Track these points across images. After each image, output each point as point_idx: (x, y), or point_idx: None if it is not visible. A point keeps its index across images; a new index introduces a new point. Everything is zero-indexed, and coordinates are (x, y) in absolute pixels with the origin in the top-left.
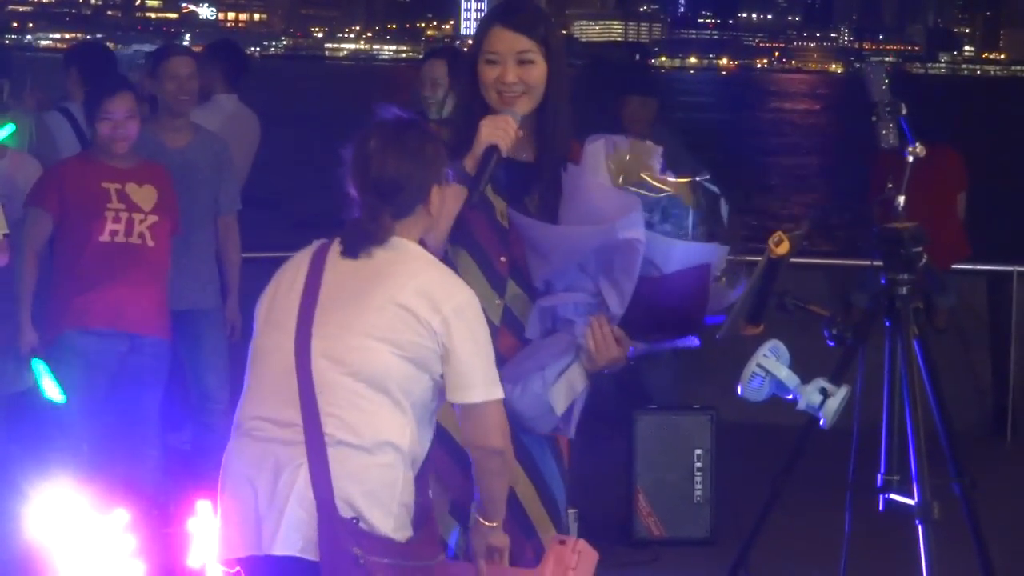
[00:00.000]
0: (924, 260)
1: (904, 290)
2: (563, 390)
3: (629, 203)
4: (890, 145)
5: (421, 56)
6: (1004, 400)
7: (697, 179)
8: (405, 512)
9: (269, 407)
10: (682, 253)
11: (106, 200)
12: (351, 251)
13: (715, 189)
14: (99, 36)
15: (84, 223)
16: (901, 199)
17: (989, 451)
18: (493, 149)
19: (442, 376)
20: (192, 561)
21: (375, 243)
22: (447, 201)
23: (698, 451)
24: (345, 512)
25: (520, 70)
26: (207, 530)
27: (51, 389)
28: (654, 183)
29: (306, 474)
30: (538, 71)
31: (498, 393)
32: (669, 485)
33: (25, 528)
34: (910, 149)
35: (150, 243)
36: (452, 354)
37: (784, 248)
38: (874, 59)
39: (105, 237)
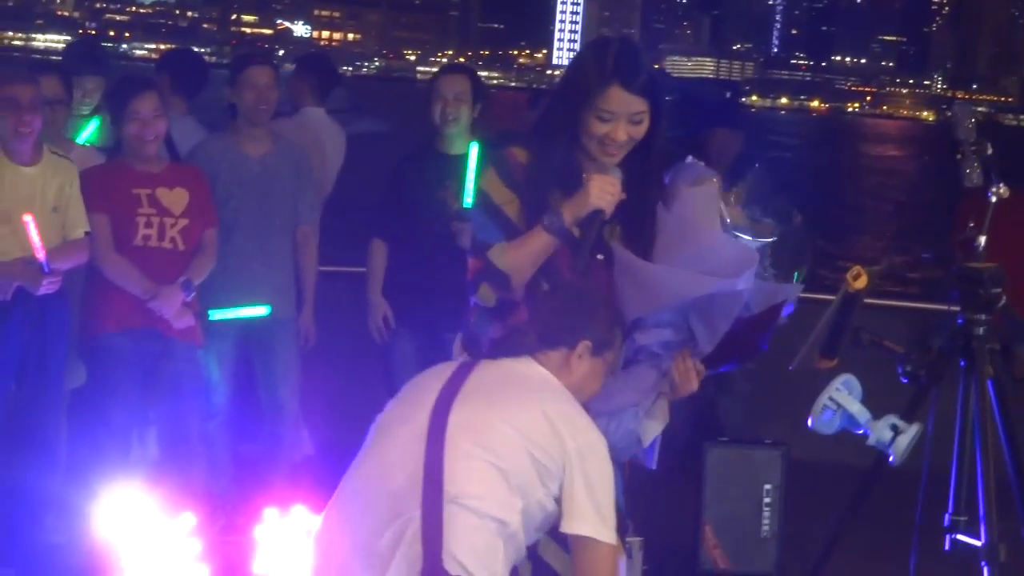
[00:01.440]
0: (1003, 302)
1: (981, 330)
2: (652, 424)
3: (749, 257)
4: (973, 184)
5: (513, 83)
6: None
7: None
8: None
9: (389, 463)
10: (771, 292)
11: (137, 205)
12: (498, 352)
13: (800, 227)
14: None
15: (117, 227)
16: (982, 239)
17: None
18: (599, 213)
19: (554, 503)
20: (257, 568)
21: (518, 353)
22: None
23: (767, 486)
24: (452, 568)
25: (630, 128)
26: (273, 538)
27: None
28: (752, 226)
29: (417, 527)
30: (644, 127)
31: (609, 537)
32: (737, 519)
33: (92, 527)
34: (993, 189)
35: (181, 247)
36: (571, 485)
37: (862, 282)
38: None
39: (138, 241)
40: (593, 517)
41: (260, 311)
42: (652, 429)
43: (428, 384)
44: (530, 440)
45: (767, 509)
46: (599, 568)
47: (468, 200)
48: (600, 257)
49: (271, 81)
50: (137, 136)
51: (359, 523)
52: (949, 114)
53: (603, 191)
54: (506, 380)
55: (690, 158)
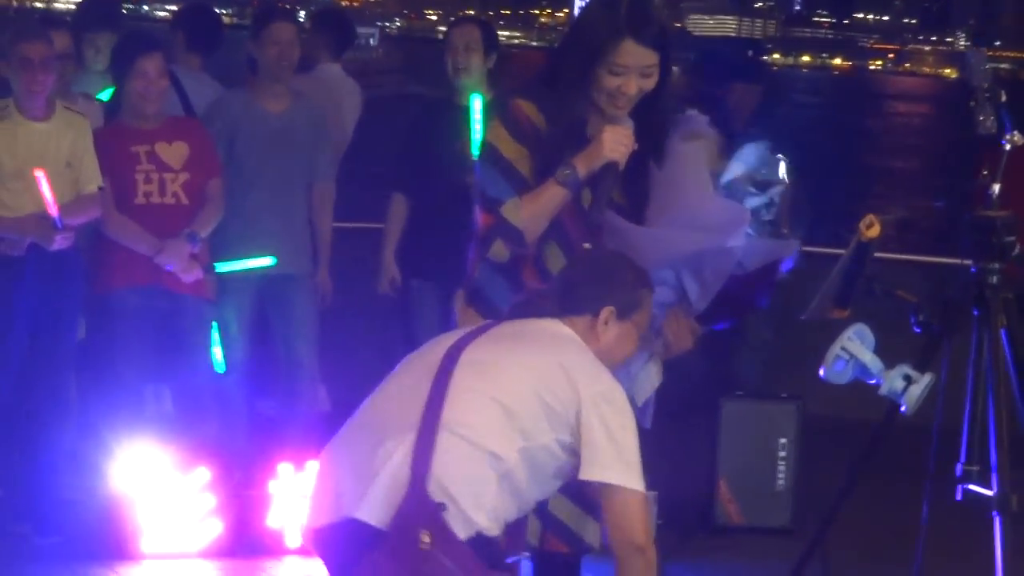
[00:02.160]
0: (1017, 250)
1: (994, 279)
2: (645, 384)
3: (739, 215)
4: (987, 131)
5: (534, 43)
6: None
7: (782, 177)
8: (495, 519)
9: (398, 393)
10: (766, 250)
11: (135, 162)
12: (519, 314)
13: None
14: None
15: (118, 187)
16: (996, 187)
17: None
18: (613, 165)
19: (565, 453)
20: (272, 522)
21: (540, 316)
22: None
23: (782, 440)
24: (436, 495)
25: (641, 81)
26: (288, 493)
27: (217, 353)
28: (746, 186)
29: (407, 449)
30: (655, 80)
31: (638, 486)
32: (752, 473)
33: (108, 483)
34: (1007, 137)
35: (185, 201)
36: (589, 432)
37: (875, 231)
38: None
39: (140, 199)
40: (618, 464)
41: (265, 261)
42: (645, 390)
43: (449, 337)
44: (541, 382)
45: (782, 463)
46: (631, 517)
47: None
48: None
49: (293, 37)
50: (141, 94)
51: (359, 442)
52: (964, 65)
53: (617, 142)
54: (528, 332)
55: (692, 111)
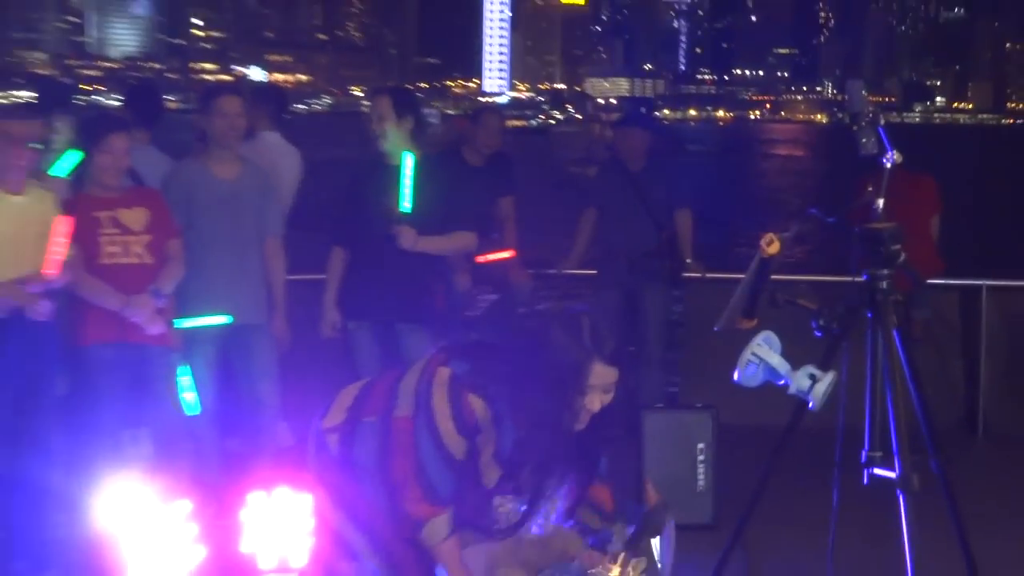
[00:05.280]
0: (903, 258)
1: (884, 284)
2: None
3: None
4: (870, 152)
5: (450, 111)
6: (975, 402)
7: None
8: None
9: None
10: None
11: (98, 227)
12: None
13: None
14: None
15: (86, 250)
16: (880, 202)
17: (962, 446)
18: None
19: None
20: (244, 547)
21: None
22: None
23: (700, 445)
24: None
25: (603, 397)
26: (258, 520)
27: (189, 397)
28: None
29: None
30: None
31: None
32: (674, 476)
33: (94, 517)
34: (888, 155)
35: (148, 260)
36: None
37: (775, 248)
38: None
39: (105, 259)
40: None
41: (221, 319)
42: None
43: None
44: None
45: (701, 466)
46: None
47: (405, 205)
48: None
49: (239, 109)
50: (108, 168)
51: None
52: (840, 115)
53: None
54: None
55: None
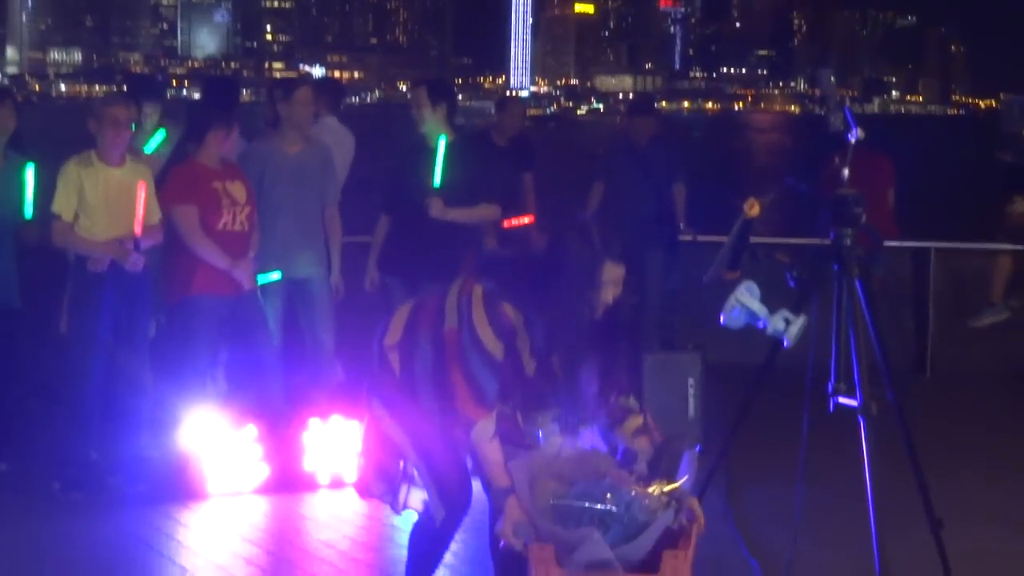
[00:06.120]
0: (864, 219)
1: (848, 240)
2: None
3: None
4: (837, 128)
5: (480, 104)
6: (924, 346)
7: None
8: None
9: None
10: (647, 542)
11: (219, 197)
12: None
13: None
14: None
15: (206, 216)
16: (846, 171)
17: (913, 384)
18: None
19: None
20: (306, 465)
21: None
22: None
23: (691, 380)
24: None
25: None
26: (317, 442)
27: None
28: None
29: None
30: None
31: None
32: (669, 406)
33: (178, 441)
34: (853, 131)
35: (246, 228)
36: None
37: (756, 210)
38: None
39: (220, 227)
40: None
41: (275, 276)
42: None
43: None
44: None
45: (692, 398)
46: None
47: (436, 181)
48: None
49: (311, 97)
50: (230, 150)
51: None
52: (811, 107)
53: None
54: None
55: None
